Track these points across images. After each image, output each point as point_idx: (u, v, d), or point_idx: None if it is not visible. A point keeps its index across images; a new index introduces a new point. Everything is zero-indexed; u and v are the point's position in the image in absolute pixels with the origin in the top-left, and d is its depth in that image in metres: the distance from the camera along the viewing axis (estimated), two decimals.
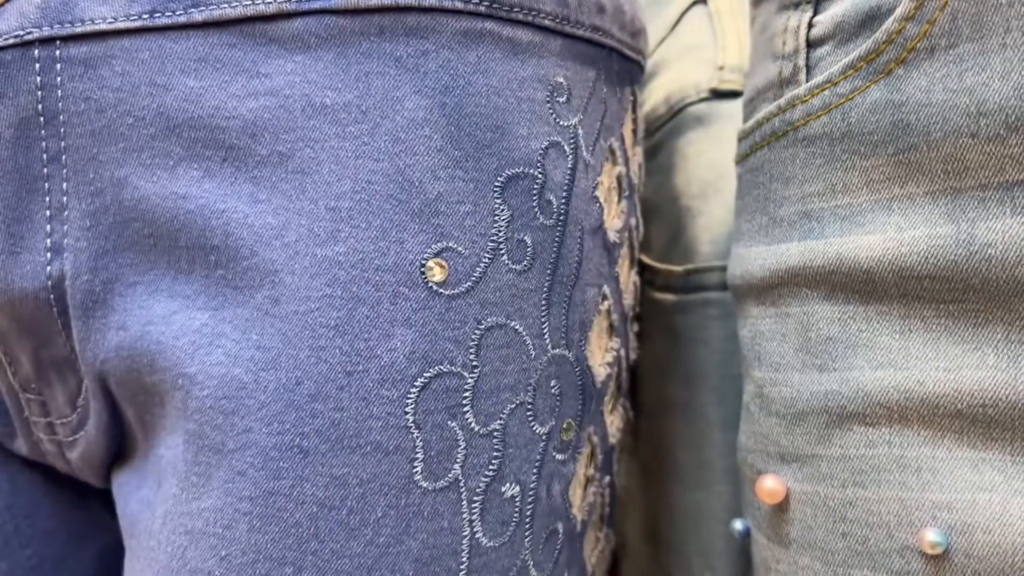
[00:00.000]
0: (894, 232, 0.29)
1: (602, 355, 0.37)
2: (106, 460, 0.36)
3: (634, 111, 0.40)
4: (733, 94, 0.50)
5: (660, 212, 0.51)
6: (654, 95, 0.54)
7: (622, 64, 0.38)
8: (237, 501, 0.29)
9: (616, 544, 0.49)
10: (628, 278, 0.40)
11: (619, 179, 0.38)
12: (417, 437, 0.30)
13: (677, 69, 0.54)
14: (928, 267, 0.28)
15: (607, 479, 0.39)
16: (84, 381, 0.34)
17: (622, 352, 0.39)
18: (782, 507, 0.32)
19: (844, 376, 0.30)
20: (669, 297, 0.48)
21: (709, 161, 0.50)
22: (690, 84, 0.52)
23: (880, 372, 0.30)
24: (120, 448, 0.36)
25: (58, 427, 0.37)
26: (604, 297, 0.37)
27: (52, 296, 0.33)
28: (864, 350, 0.30)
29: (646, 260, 0.50)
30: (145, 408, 0.33)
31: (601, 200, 0.36)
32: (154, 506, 0.32)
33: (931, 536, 0.28)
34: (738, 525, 0.36)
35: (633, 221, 0.40)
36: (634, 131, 0.40)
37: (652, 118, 0.54)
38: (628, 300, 0.40)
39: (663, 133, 0.53)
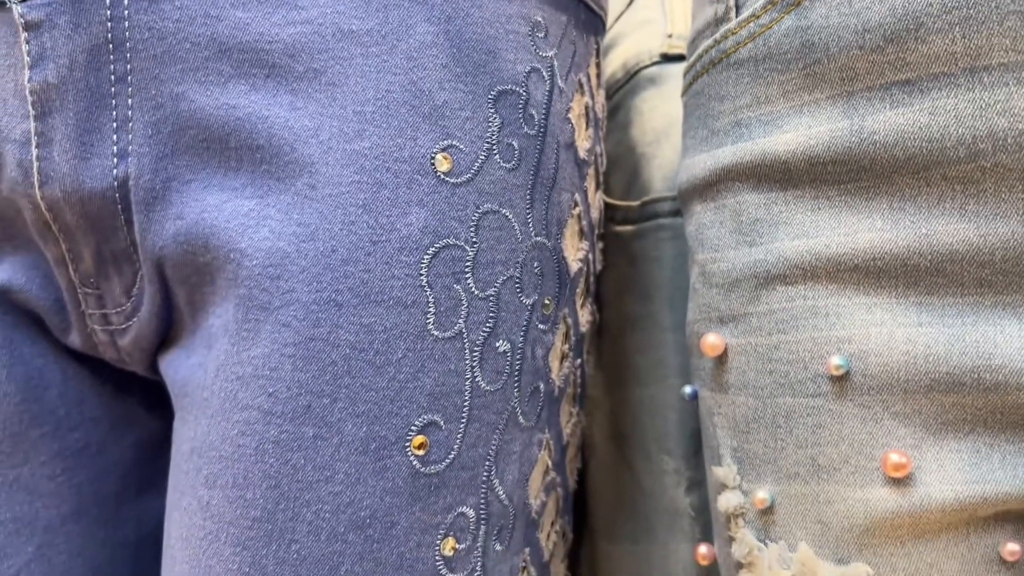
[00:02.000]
0: (804, 130, 0.37)
1: (574, 252, 0.44)
2: (155, 343, 0.43)
3: (597, 57, 0.48)
4: (680, 58, 0.59)
5: (619, 161, 0.59)
6: (613, 63, 0.62)
7: (588, 15, 0.46)
8: (282, 347, 0.36)
9: (584, 445, 0.56)
10: (595, 196, 0.47)
11: (587, 109, 0.45)
12: (429, 295, 0.37)
13: (632, 40, 0.62)
14: (831, 154, 0.36)
15: (578, 361, 0.46)
16: (140, 271, 0.41)
17: (590, 256, 0.46)
18: (722, 359, 0.40)
19: (768, 248, 0.38)
20: (628, 228, 0.56)
21: (661, 114, 0.58)
22: (644, 51, 0.60)
23: (796, 241, 0.37)
24: (167, 332, 0.42)
25: (112, 316, 0.43)
26: (576, 204, 0.44)
27: (117, 195, 0.39)
28: (784, 226, 0.38)
29: (608, 200, 0.58)
30: (196, 288, 0.39)
31: (573, 121, 0.43)
32: (206, 365, 0.39)
33: (836, 360, 0.35)
34: (687, 390, 0.43)
35: (598, 149, 0.47)
36: (598, 75, 0.48)
37: (611, 82, 0.62)
38: (594, 214, 0.47)
39: (620, 95, 0.61)
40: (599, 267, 0.50)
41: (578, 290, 0.45)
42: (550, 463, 0.44)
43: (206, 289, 0.39)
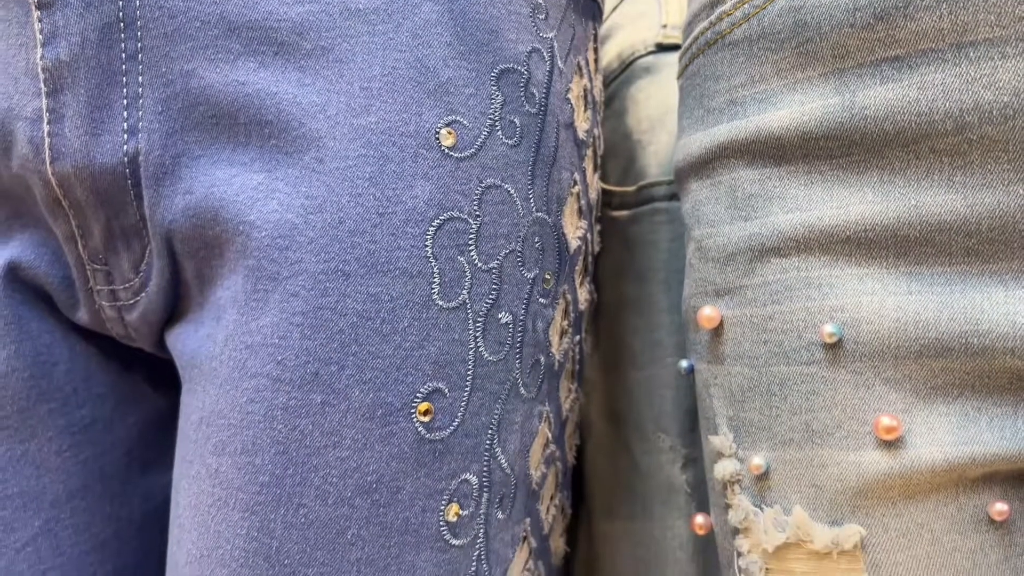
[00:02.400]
0: (797, 107, 0.38)
1: (574, 230, 0.45)
2: (162, 318, 0.43)
3: (595, 43, 0.49)
4: (674, 47, 0.60)
5: (615, 149, 0.60)
6: (608, 54, 0.64)
7: (586, 1, 0.47)
8: (291, 316, 0.37)
9: (581, 426, 0.57)
10: (593, 177, 0.48)
11: (585, 91, 0.46)
12: (434, 266, 0.38)
13: (627, 31, 0.63)
14: (823, 130, 0.37)
15: (577, 338, 0.47)
16: (149, 246, 0.41)
17: (589, 236, 0.48)
18: (717, 332, 0.41)
19: (763, 222, 0.39)
20: (624, 213, 0.57)
21: (656, 102, 0.59)
22: (639, 41, 0.61)
23: (790, 215, 0.39)
24: (175, 307, 0.43)
25: (120, 292, 0.43)
26: (575, 183, 0.45)
27: (127, 170, 0.40)
28: (778, 200, 0.39)
29: (605, 186, 0.59)
30: (204, 262, 0.40)
31: (572, 102, 0.44)
32: (215, 336, 0.39)
33: (829, 328, 0.36)
34: (683, 364, 0.44)
35: (596, 131, 0.49)
36: (596, 61, 0.49)
37: (607, 72, 0.63)
38: (592, 195, 0.48)
39: (616, 84, 0.62)
40: (597, 248, 0.51)
41: (577, 268, 0.46)
42: (550, 436, 0.45)
43: (215, 262, 0.40)
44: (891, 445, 0.35)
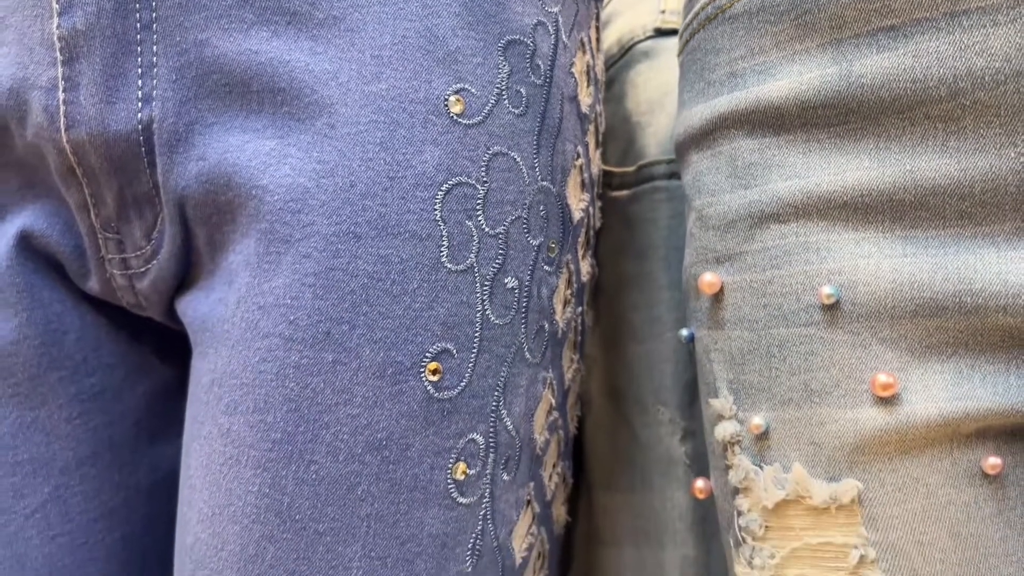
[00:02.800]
0: (796, 77, 0.39)
1: (577, 202, 0.46)
2: (172, 286, 0.44)
3: (597, 21, 0.50)
4: (672, 31, 0.61)
5: (615, 132, 0.62)
6: (608, 39, 0.65)
7: None
8: (303, 276, 0.38)
9: (581, 402, 0.58)
10: (595, 153, 0.49)
11: (588, 67, 0.48)
12: (443, 229, 0.39)
13: (627, 17, 0.64)
14: (821, 99, 0.38)
15: (579, 309, 0.48)
16: (161, 213, 0.42)
17: (590, 210, 0.49)
18: (718, 298, 0.42)
19: (762, 189, 0.40)
20: (624, 192, 0.58)
21: (655, 85, 0.60)
22: (638, 26, 0.63)
23: (789, 182, 0.40)
24: (185, 275, 0.44)
25: (132, 260, 0.44)
26: (578, 155, 0.46)
27: (141, 137, 0.41)
28: (777, 168, 0.40)
29: (605, 167, 0.60)
30: (216, 228, 0.41)
31: (576, 76, 0.46)
32: (227, 300, 0.40)
33: (827, 290, 0.38)
34: (684, 332, 0.45)
35: (599, 108, 0.50)
36: (598, 39, 0.50)
37: (606, 58, 0.64)
38: (594, 170, 0.49)
39: (615, 69, 0.63)
40: (598, 224, 0.52)
41: (580, 240, 0.47)
42: (553, 402, 0.46)
43: (227, 228, 0.41)
44: (887, 402, 0.36)
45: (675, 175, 0.56)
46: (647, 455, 0.54)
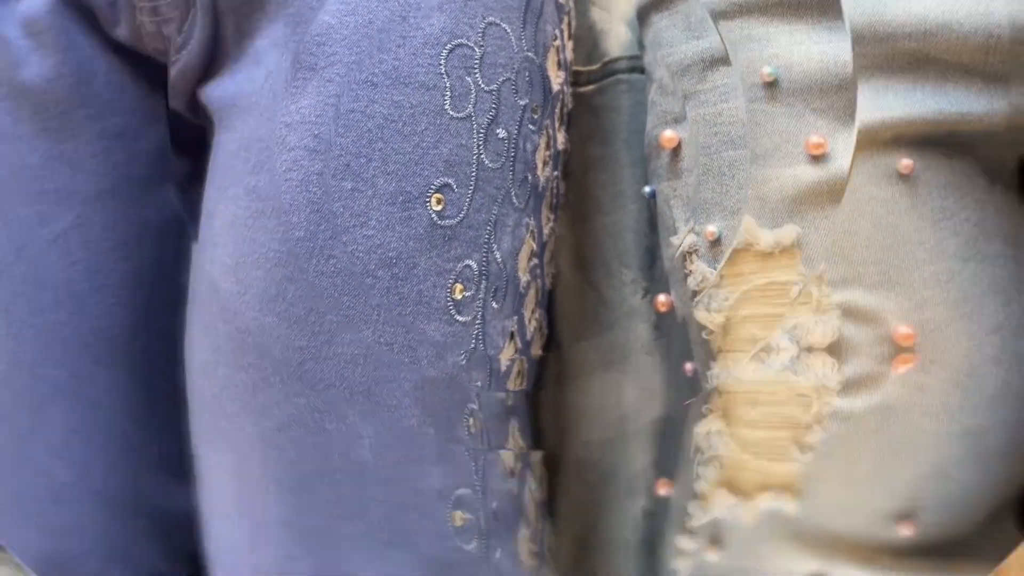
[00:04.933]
0: None
1: (555, 76, 0.53)
2: (199, 75, 0.50)
3: None
4: None
5: (581, 40, 0.68)
6: None
7: None
8: (327, 97, 0.45)
9: (552, 275, 0.65)
10: (568, 42, 0.56)
11: None
12: (447, 81, 0.46)
13: None
14: None
15: (556, 172, 0.56)
16: (194, 8, 0.48)
17: (565, 88, 0.56)
18: (676, 151, 0.49)
19: (712, 37, 0.48)
20: (590, 87, 0.65)
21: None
22: None
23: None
24: (211, 63, 0.50)
25: (162, 7, 0.50)
26: (556, 37, 0.53)
27: None
28: (722, 15, 0.47)
29: (575, 68, 0.67)
30: (245, 16, 0.47)
31: None
32: (253, 76, 0.47)
33: (767, 70, 0.45)
34: (647, 189, 0.53)
35: (571, 4, 0.57)
36: None
37: None
38: (568, 55, 0.56)
39: None
40: (570, 105, 0.59)
41: (556, 111, 0.55)
42: (534, 247, 0.53)
43: (255, 16, 0.47)
44: (819, 159, 0.44)
45: (636, 69, 0.63)
46: (613, 310, 0.61)
